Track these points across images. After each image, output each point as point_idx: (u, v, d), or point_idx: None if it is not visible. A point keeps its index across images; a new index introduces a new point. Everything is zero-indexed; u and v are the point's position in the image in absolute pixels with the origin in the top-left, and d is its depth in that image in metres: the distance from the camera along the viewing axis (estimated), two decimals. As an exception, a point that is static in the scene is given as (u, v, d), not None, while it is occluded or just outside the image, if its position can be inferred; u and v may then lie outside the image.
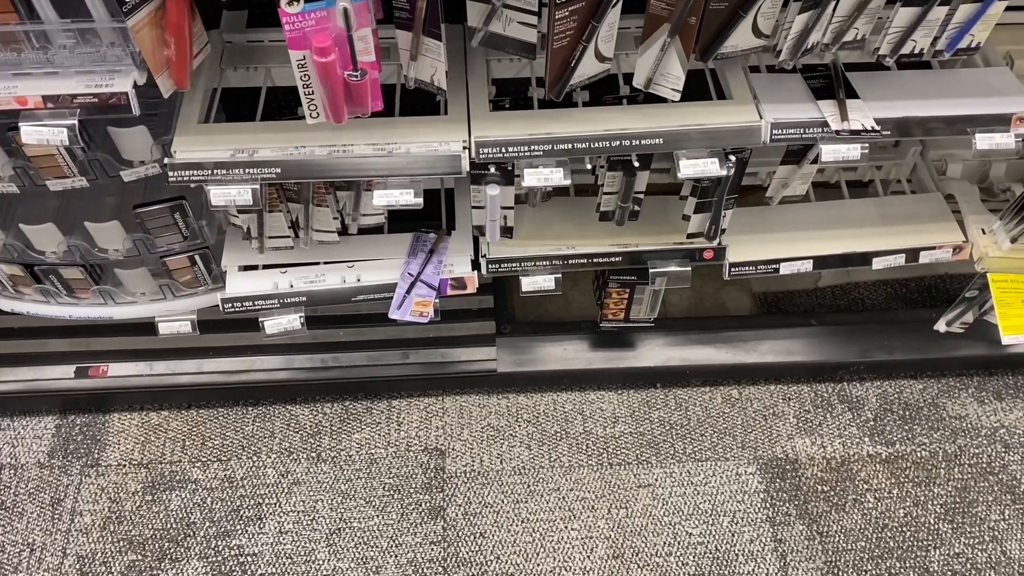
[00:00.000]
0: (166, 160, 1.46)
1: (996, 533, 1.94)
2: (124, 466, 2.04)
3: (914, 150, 2.05)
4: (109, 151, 1.53)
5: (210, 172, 1.46)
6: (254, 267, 1.79)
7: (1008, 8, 1.48)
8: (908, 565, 1.90)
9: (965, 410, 2.15)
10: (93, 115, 1.35)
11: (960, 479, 2.03)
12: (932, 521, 1.96)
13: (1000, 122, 1.55)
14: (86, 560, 1.90)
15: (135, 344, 2.09)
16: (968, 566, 1.90)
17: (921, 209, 1.93)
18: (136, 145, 1.53)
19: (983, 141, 1.55)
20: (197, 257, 1.74)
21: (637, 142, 1.50)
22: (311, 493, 2.00)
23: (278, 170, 1.47)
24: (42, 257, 1.71)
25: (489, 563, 1.90)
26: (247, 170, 1.46)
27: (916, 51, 1.50)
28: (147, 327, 1.86)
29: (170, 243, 1.69)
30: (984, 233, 1.85)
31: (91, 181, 1.55)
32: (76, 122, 1.35)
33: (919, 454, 2.07)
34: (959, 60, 1.69)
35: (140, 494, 2.00)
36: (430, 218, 1.87)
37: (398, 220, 1.81)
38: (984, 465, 2.05)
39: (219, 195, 1.47)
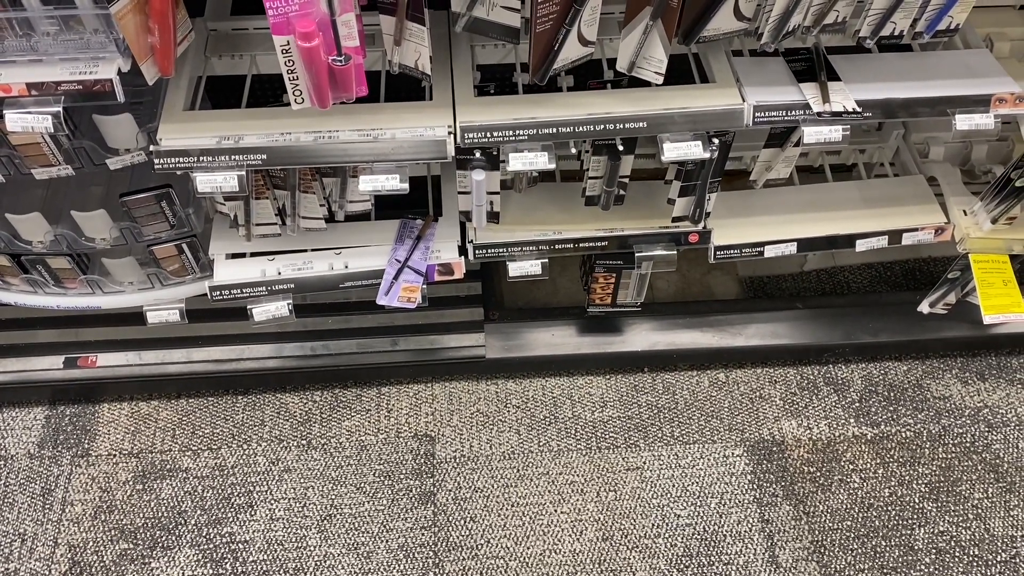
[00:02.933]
0: (152, 148, 1.46)
1: (980, 511, 1.97)
2: (114, 456, 2.05)
3: (897, 133, 2.06)
4: (94, 139, 1.52)
5: (196, 159, 1.46)
6: (242, 255, 1.80)
7: (986, -10, 1.50)
8: (893, 543, 1.92)
9: (949, 391, 2.17)
10: (78, 102, 1.35)
11: (944, 459, 2.05)
12: (917, 500, 1.99)
13: (980, 103, 1.57)
14: (77, 549, 1.90)
15: (124, 334, 2.10)
16: (952, 544, 1.92)
17: (904, 192, 1.95)
18: (121, 133, 1.53)
19: (963, 122, 1.56)
20: (184, 245, 1.74)
21: (621, 126, 1.51)
22: (302, 480, 2.01)
23: (264, 156, 1.47)
24: (29, 247, 1.71)
25: (479, 547, 1.92)
26: (233, 157, 1.47)
27: (896, 33, 1.51)
28: (136, 316, 1.86)
29: (157, 232, 1.69)
30: (966, 214, 1.87)
31: (77, 169, 1.54)
32: (61, 109, 1.34)
33: (904, 434, 2.09)
34: (939, 42, 1.71)
35: (131, 483, 2.00)
36: (417, 205, 1.87)
37: (385, 207, 1.81)
38: (968, 444, 2.08)
39: (205, 182, 1.47)
